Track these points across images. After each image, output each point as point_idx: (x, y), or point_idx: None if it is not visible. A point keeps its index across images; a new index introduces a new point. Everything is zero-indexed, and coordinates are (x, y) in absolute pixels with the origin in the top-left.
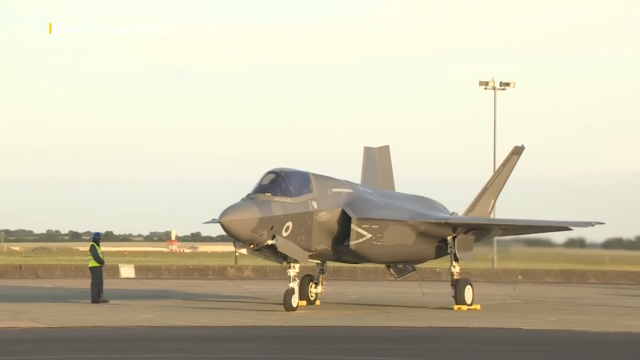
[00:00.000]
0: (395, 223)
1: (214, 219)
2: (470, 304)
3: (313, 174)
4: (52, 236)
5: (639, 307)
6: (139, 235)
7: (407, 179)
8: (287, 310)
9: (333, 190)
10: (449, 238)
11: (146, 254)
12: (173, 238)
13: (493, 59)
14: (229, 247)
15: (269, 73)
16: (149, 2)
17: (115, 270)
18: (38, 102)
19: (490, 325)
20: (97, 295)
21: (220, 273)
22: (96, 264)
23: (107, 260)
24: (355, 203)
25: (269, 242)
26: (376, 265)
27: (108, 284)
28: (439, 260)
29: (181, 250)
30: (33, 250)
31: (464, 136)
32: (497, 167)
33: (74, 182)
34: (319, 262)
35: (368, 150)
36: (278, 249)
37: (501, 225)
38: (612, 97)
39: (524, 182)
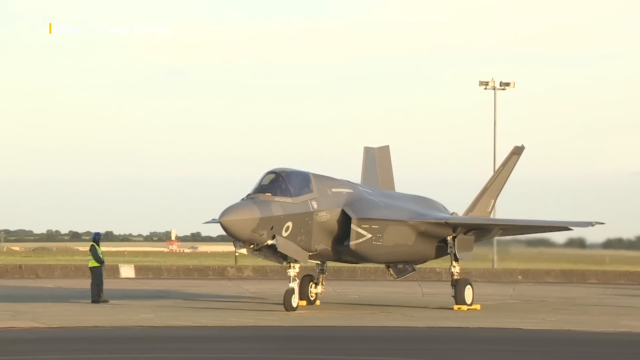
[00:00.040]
0: (395, 223)
1: (214, 219)
2: (470, 304)
3: (313, 174)
4: (52, 236)
5: (639, 307)
6: (139, 235)
7: (407, 179)
8: (287, 310)
9: (333, 190)
10: (449, 238)
11: (146, 254)
12: (173, 238)
13: (493, 59)
14: (229, 247)
15: (269, 73)
16: (149, 2)
17: (115, 270)
18: (38, 102)
19: (490, 325)
20: (97, 295)
21: (220, 273)
22: (96, 264)
23: (107, 260)
24: (355, 203)
25: (269, 242)
26: (376, 265)
27: (108, 284)
28: (439, 260)
29: (181, 250)
30: (33, 250)
31: (464, 136)
32: (497, 167)
33: (74, 182)
34: (319, 262)
35: (368, 150)
36: (278, 249)
37: (501, 225)
38: (612, 97)
39: (524, 182)
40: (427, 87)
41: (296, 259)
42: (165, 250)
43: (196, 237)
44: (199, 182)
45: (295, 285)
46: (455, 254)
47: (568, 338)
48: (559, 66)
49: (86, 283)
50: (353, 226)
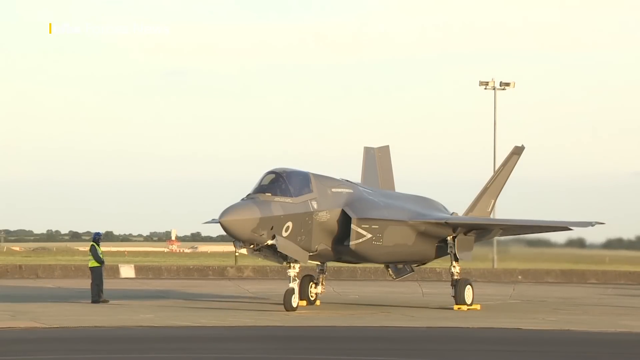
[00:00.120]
0: (395, 223)
1: (214, 219)
2: (470, 304)
3: (313, 174)
4: (52, 236)
5: (639, 307)
6: (139, 235)
7: (407, 179)
8: (287, 310)
9: (333, 190)
10: (449, 238)
11: (146, 254)
12: (173, 238)
13: (493, 59)
14: (229, 247)
15: (269, 73)
16: (149, 2)
17: (115, 270)
18: (38, 102)
19: (490, 325)
20: (97, 295)
21: (220, 273)
22: (96, 264)
23: (107, 260)
24: (355, 203)
25: (269, 242)
26: (376, 265)
27: (108, 284)
28: (439, 260)
29: (181, 250)
30: (33, 250)
31: (464, 136)
32: (497, 167)
33: (74, 182)
34: (319, 262)
35: (368, 150)
36: (278, 249)
37: (501, 225)
38: (612, 97)
39: (524, 182)
40: (427, 87)
41: (296, 259)
42: (165, 250)
43: (196, 237)
44: (199, 182)
45: (295, 285)
46: (455, 254)
47: (568, 338)
48: (559, 66)
49: (86, 283)
50: (353, 226)
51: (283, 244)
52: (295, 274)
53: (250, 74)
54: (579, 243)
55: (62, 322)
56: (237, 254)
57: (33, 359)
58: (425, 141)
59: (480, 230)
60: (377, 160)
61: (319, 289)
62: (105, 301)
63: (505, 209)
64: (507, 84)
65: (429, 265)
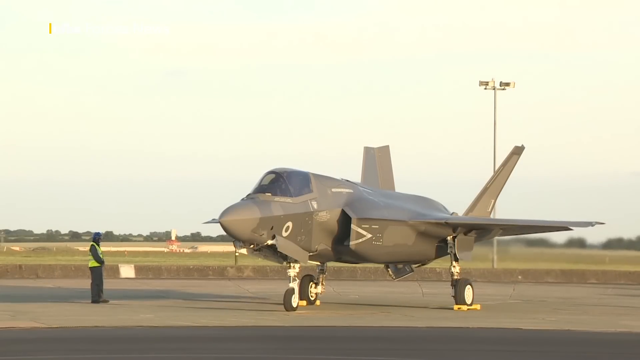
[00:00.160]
0: (395, 223)
1: (214, 219)
2: (470, 304)
3: (313, 174)
4: (52, 236)
5: (639, 307)
6: (139, 235)
7: (407, 179)
8: (287, 310)
9: (333, 190)
10: (449, 238)
11: (146, 254)
12: (173, 238)
13: (493, 59)
14: (229, 247)
15: (269, 73)
16: (149, 2)
17: (115, 270)
18: (38, 102)
19: (490, 325)
20: (97, 295)
21: (220, 273)
22: (96, 264)
23: (107, 260)
24: (355, 203)
25: (269, 242)
26: (376, 265)
27: (108, 284)
28: (439, 260)
29: (181, 250)
30: (33, 250)
31: (464, 136)
32: (497, 167)
33: (74, 182)
34: (319, 263)
35: (368, 150)
36: (278, 249)
37: (501, 225)
38: (612, 97)
39: (524, 182)
40: (427, 87)
41: (296, 259)
42: (165, 250)
43: (196, 237)
44: (199, 182)
45: (295, 285)
46: (455, 254)
47: (568, 338)
48: (559, 66)
49: (86, 283)
50: (353, 226)
51: (283, 244)
52: (295, 274)
53: (250, 74)
54: (579, 243)
55: (62, 322)
56: (237, 254)
57: (33, 359)
58: (425, 141)
59: (480, 230)
60: (377, 160)
61: (319, 289)
62: (105, 301)
63: (505, 209)
64: (507, 84)
65: (429, 265)
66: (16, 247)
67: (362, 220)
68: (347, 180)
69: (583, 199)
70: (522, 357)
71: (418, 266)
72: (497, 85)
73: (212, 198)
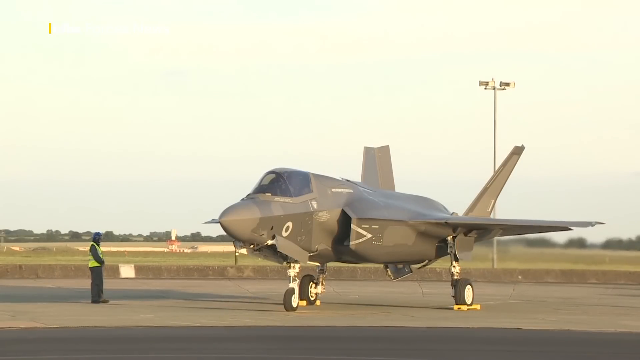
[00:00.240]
0: (395, 223)
1: (214, 219)
2: (470, 304)
3: (313, 174)
4: (52, 236)
5: (639, 307)
6: (139, 235)
7: (407, 179)
8: (287, 310)
9: (333, 190)
10: (449, 238)
11: (146, 254)
12: (173, 238)
13: (493, 59)
14: (229, 247)
15: (269, 73)
16: (149, 2)
17: (115, 270)
18: (38, 102)
19: (490, 325)
20: (97, 295)
21: (220, 273)
22: (96, 264)
23: (107, 261)
24: (355, 203)
25: (269, 242)
26: (376, 265)
27: (108, 284)
28: (439, 260)
29: (181, 250)
30: (33, 250)
31: (464, 136)
32: (497, 167)
33: (74, 182)
34: (319, 263)
35: (368, 150)
36: (278, 249)
37: (501, 225)
38: (612, 97)
39: (524, 182)
40: (427, 87)
41: (296, 259)
42: (165, 250)
43: (196, 237)
44: (199, 182)
45: (295, 285)
46: (455, 254)
47: (568, 338)
48: (559, 66)
49: (86, 283)
50: (353, 226)
51: (283, 244)
52: (295, 274)
53: (250, 74)
54: (579, 243)
55: (62, 322)
56: (237, 254)
57: (33, 359)
58: (425, 141)
59: (480, 230)
60: (377, 160)
61: (319, 289)
62: (105, 301)
63: (506, 209)
64: (507, 84)
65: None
66: (16, 247)
67: (362, 220)
68: (348, 180)
69: (583, 199)
70: (522, 357)
71: (419, 267)
72: (497, 85)
73: (212, 198)
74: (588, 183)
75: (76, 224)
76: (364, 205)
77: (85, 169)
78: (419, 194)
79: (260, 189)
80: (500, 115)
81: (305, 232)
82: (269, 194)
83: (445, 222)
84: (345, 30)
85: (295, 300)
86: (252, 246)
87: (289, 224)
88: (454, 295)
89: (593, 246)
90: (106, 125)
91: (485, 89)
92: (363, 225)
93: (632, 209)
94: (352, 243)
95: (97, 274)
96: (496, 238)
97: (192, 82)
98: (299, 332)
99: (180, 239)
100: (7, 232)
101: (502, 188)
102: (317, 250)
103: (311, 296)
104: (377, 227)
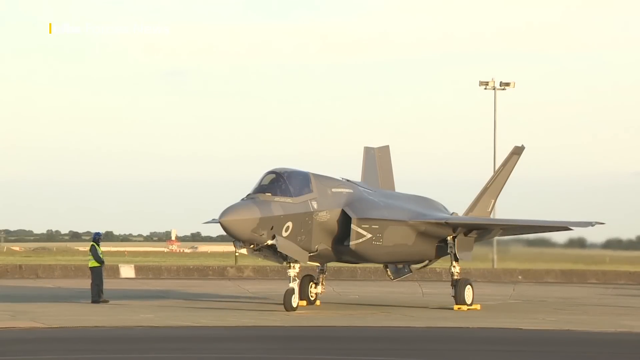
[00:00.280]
0: (395, 223)
1: (214, 219)
2: (470, 304)
3: (313, 174)
4: (52, 236)
5: (639, 307)
6: (139, 235)
7: (407, 179)
8: (287, 310)
9: (333, 190)
10: (449, 238)
11: (146, 254)
12: (173, 238)
13: (493, 59)
14: (229, 247)
15: (269, 73)
16: (149, 2)
17: (115, 270)
18: (38, 102)
19: (490, 325)
20: (97, 295)
21: (220, 273)
22: (96, 264)
23: (107, 260)
24: (355, 203)
25: (269, 242)
26: (376, 265)
27: (108, 284)
28: (439, 260)
29: (181, 250)
30: (33, 250)
31: (464, 136)
32: (497, 167)
33: (74, 182)
34: (319, 263)
35: (368, 150)
36: (278, 249)
37: (501, 225)
38: (612, 97)
39: (524, 182)
40: (427, 87)
41: (296, 259)
42: (165, 250)
43: (196, 237)
44: (199, 182)
45: (295, 285)
46: (455, 254)
47: (568, 338)
48: (559, 66)
49: (86, 283)
50: (353, 226)
51: (283, 244)
52: (295, 274)
53: (250, 74)
54: (579, 243)
55: (62, 322)
56: (237, 254)
57: (33, 359)
58: (425, 141)
59: (480, 230)
60: (377, 160)
61: (319, 289)
62: (105, 301)
63: (505, 209)
64: (507, 84)
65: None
66: (16, 247)
67: (362, 220)
68: (348, 180)
69: (583, 199)
70: (522, 357)
71: (420, 268)
72: (497, 85)
73: (212, 198)
74: (588, 183)
75: (76, 224)
76: (364, 205)
77: (85, 169)
78: (419, 194)
79: (260, 189)
80: (500, 115)
81: (305, 232)
82: (269, 194)
83: (445, 222)
84: (345, 30)
85: (295, 300)
86: (252, 246)
87: (289, 224)
88: (454, 295)
89: (593, 246)
90: (106, 125)
91: (485, 89)
92: (363, 225)
93: (632, 209)
94: (352, 243)
95: (97, 274)
96: (496, 238)
97: (192, 82)
98: (299, 332)
99: (180, 239)
100: (7, 232)
101: (502, 188)
102: (317, 250)
103: (311, 296)
104: (377, 227)
